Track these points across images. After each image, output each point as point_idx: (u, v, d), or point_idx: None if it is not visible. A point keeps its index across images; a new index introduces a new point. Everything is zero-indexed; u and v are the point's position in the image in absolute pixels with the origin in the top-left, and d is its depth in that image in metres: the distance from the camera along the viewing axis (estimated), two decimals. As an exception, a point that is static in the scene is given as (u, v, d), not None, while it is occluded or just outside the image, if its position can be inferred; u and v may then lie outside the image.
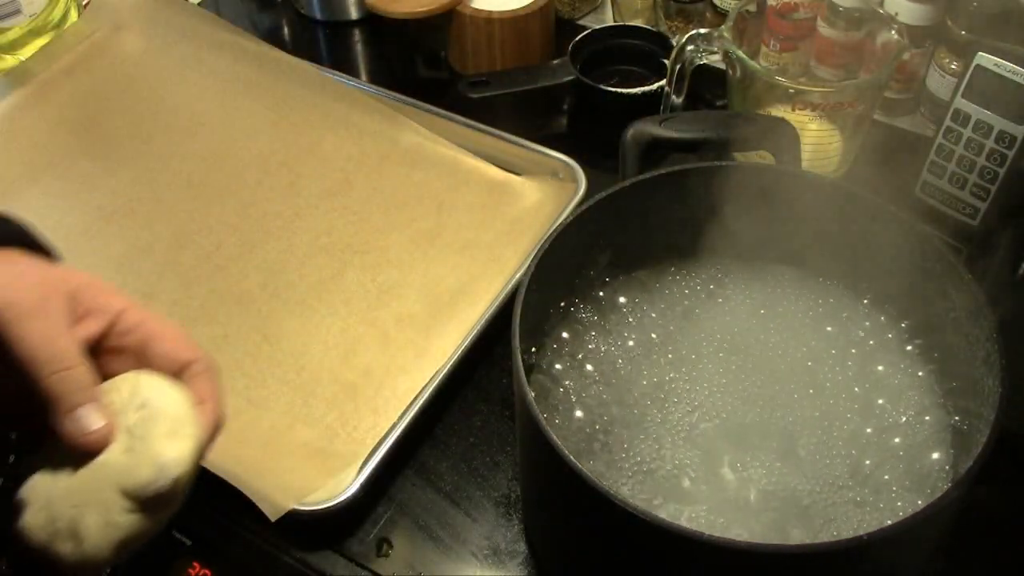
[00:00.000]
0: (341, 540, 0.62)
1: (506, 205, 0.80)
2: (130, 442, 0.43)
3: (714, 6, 0.91)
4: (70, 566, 0.42)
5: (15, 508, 0.43)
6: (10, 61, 0.92)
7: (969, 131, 0.73)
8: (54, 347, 0.42)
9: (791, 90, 0.75)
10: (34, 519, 0.43)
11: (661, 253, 0.63)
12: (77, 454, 0.43)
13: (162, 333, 0.46)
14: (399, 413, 0.65)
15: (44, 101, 0.89)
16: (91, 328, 0.44)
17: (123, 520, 0.42)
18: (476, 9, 0.90)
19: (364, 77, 0.98)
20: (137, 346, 0.45)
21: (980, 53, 0.70)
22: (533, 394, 0.49)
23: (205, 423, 0.45)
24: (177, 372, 0.45)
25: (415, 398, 0.66)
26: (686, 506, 0.52)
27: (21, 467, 0.44)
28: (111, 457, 0.42)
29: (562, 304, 0.61)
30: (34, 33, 0.93)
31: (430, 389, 0.66)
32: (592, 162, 0.80)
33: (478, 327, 0.69)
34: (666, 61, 0.80)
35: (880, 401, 0.57)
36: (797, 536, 0.51)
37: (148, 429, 0.43)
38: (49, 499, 0.43)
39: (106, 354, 0.45)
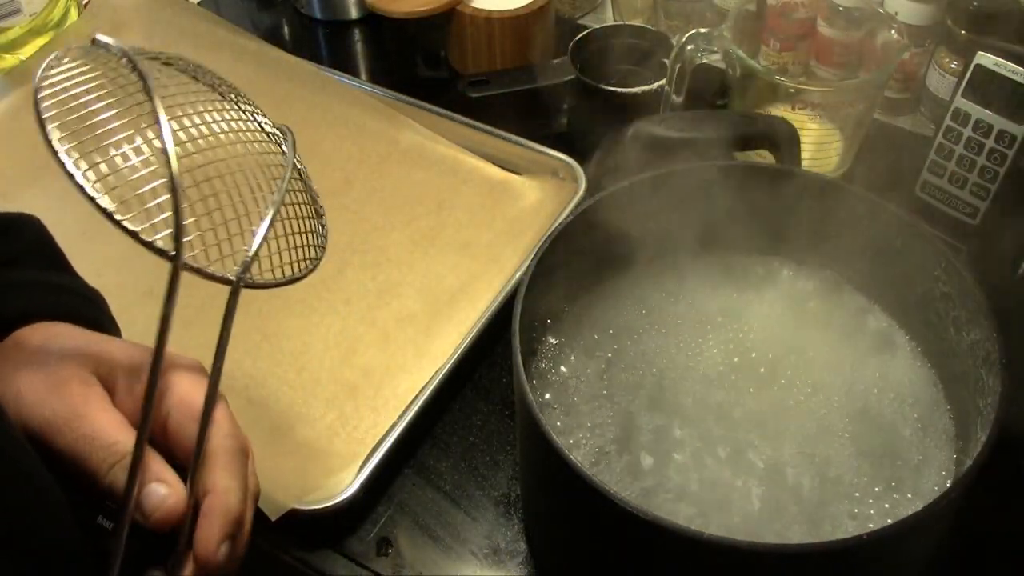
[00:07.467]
0: (341, 540, 0.62)
1: (506, 205, 0.80)
2: None
3: (714, 6, 0.91)
4: None
5: None
6: (10, 61, 0.92)
7: (969, 131, 0.73)
8: (99, 443, 0.43)
9: (791, 90, 0.75)
10: None
11: (660, 252, 0.63)
12: None
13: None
14: (399, 413, 0.65)
15: (44, 101, 0.89)
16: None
17: None
18: (476, 9, 0.90)
19: (364, 77, 0.98)
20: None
21: (980, 53, 0.70)
22: (533, 394, 0.49)
23: None
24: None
25: (415, 398, 0.66)
26: (686, 506, 0.52)
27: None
28: None
29: (562, 303, 0.61)
30: (34, 33, 0.93)
31: (430, 389, 0.66)
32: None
33: (478, 327, 0.69)
34: (666, 61, 0.80)
35: (879, 401, 0.57)
36: (796, 536, 0.51)
37: None
38: None
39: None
